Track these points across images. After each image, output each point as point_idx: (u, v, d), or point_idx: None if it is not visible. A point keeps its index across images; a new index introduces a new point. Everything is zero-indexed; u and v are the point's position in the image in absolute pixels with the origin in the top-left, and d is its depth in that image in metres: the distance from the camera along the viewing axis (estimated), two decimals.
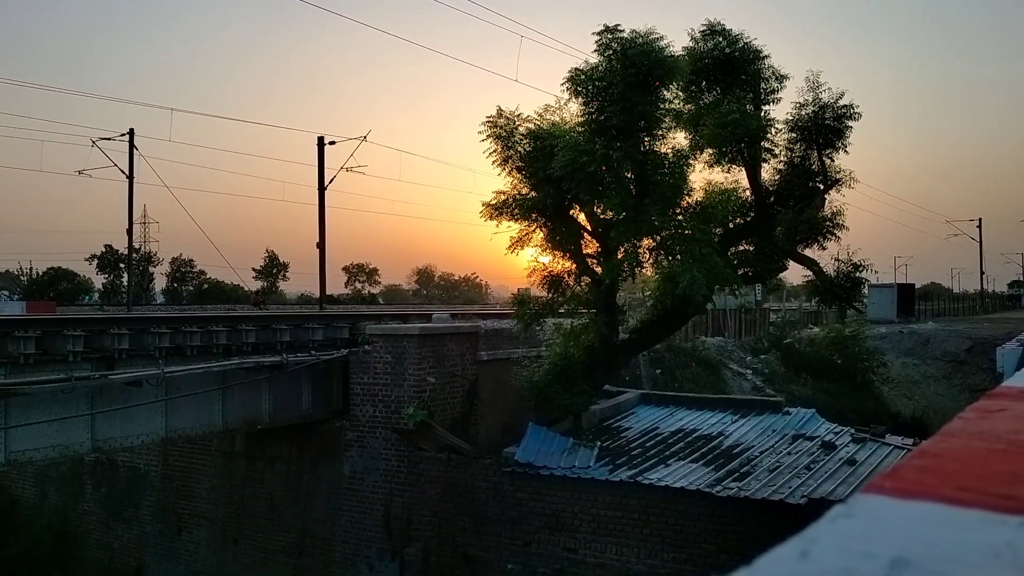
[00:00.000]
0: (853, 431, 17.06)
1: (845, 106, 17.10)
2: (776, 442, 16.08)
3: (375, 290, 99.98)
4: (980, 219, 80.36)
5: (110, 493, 20.54)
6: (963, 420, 1.19)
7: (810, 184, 17.50)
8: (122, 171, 37.93)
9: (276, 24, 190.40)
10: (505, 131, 15.82)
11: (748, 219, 17.55)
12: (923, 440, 1.08)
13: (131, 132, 37.89)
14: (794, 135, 17.47)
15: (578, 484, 14.32)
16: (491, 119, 15.94)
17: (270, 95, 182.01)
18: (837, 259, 17.78)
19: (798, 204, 17.29)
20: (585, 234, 16.50)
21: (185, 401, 14.54)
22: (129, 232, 39.95)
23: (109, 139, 38.10)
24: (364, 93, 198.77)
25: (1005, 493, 0.84)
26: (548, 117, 15.99)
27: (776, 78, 17.12)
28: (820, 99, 17.15)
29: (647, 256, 15.76)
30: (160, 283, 77.45)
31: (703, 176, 16.86)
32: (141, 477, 20.02)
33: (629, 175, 15.39)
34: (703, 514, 13.32)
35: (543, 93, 60.98)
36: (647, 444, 15.99)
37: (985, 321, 46.84)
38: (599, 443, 15.73)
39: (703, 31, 16.95)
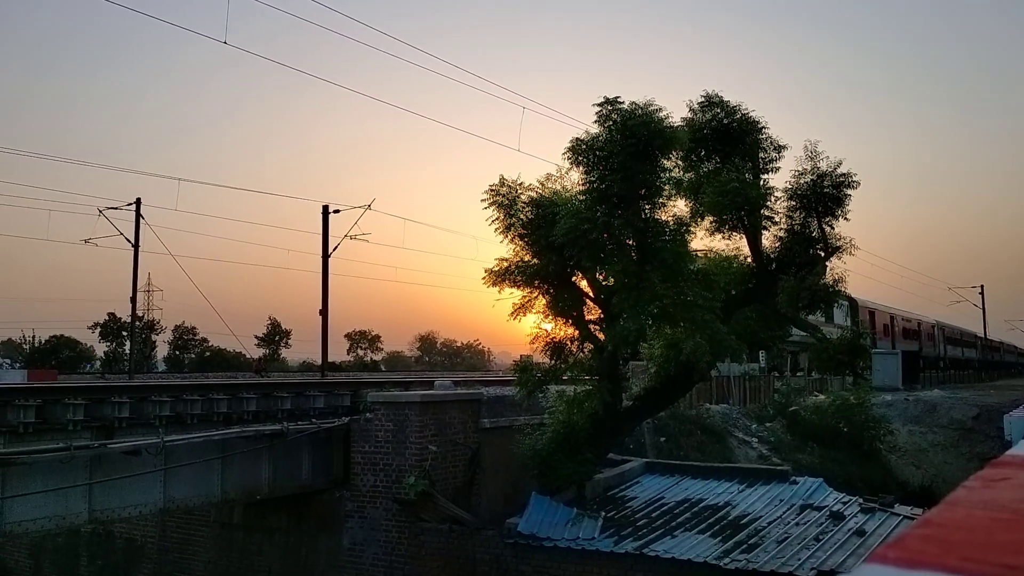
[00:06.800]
0: (861, 501, 16.76)
1: (843, 174, 17.31)
2: (784, 512, 15.81)
3: (377, 357, 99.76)
4: (982, 286, 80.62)
5: (106, 565, 20.13)
6: (967, 489, 1.18)
7: (811, 251, 17.61)
8: (128, 240, 38.33)
9: (284, 96, 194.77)
10: (507, 199, 15.99)
11: (750, 286, 17.60)
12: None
13: (138, 201, 38.44)
14: (793, 203, 17.64)
15: (583, 556, 14.03)
16: (494, 187, 16.13)
17: (276, 165, 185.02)
18: (840, 326, 17.78)
19: (799, 271, 17.37)
20: (587, 301, 16.53)
21: (184, 471, 14.38)
22: (133, 300, 40.11)
23: (116, 208, 38.65)
24: (369, 163, 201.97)
25: (1009, 563, 0.84)
26: (550, 185, 16.20)
27: (774, 148, 17.38)
28: (818, 168, 17.38)
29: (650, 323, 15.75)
30: (163, 351, 77.47)
31: (704, 243, 17.01)
32: (138, 549, 19.64)
33: (630, 242, 15.52)
34: None
35: (545, 162, 61.88)
36: (653, 514, 15.72)
37: (990, 388, 46.46)
38: (604, 513, 15.46)
39: (701, 102, 17.28)
